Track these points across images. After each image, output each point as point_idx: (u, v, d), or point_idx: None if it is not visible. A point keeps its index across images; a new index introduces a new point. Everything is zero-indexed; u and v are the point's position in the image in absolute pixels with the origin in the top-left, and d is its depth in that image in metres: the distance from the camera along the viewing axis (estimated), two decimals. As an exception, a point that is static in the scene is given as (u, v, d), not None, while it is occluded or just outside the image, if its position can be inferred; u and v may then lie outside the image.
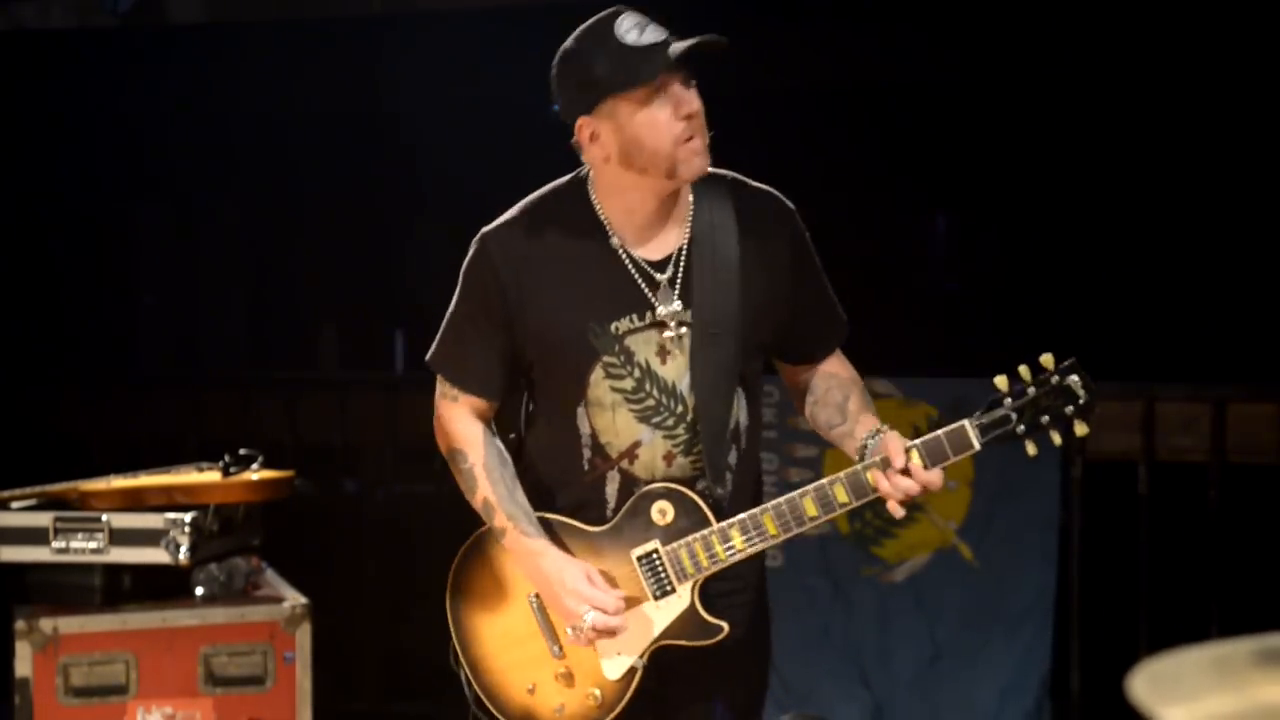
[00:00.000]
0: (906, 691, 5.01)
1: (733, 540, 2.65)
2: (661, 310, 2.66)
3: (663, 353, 2.67)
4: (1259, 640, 1.29)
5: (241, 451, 4.20)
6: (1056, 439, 2.62)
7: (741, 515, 2.66)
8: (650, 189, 2.63)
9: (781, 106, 6.43)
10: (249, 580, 4.16)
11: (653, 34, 2.56)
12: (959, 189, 6.62)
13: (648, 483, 2.68)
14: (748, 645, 2.80)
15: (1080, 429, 2.60)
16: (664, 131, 2.56)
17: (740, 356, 2.70)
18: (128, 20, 6.10)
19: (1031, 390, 2.60)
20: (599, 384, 2.66)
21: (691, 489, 2.68)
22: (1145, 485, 4.98)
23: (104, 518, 3.96)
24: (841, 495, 2.63)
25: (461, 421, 2.76)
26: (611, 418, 2.67)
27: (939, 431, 2.60)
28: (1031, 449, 2.62)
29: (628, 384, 2.66)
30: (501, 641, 2.77)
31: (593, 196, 2.69)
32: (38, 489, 4.11)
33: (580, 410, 2.68)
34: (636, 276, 2.66)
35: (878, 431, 2.66)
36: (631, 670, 2.69)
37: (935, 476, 2.59)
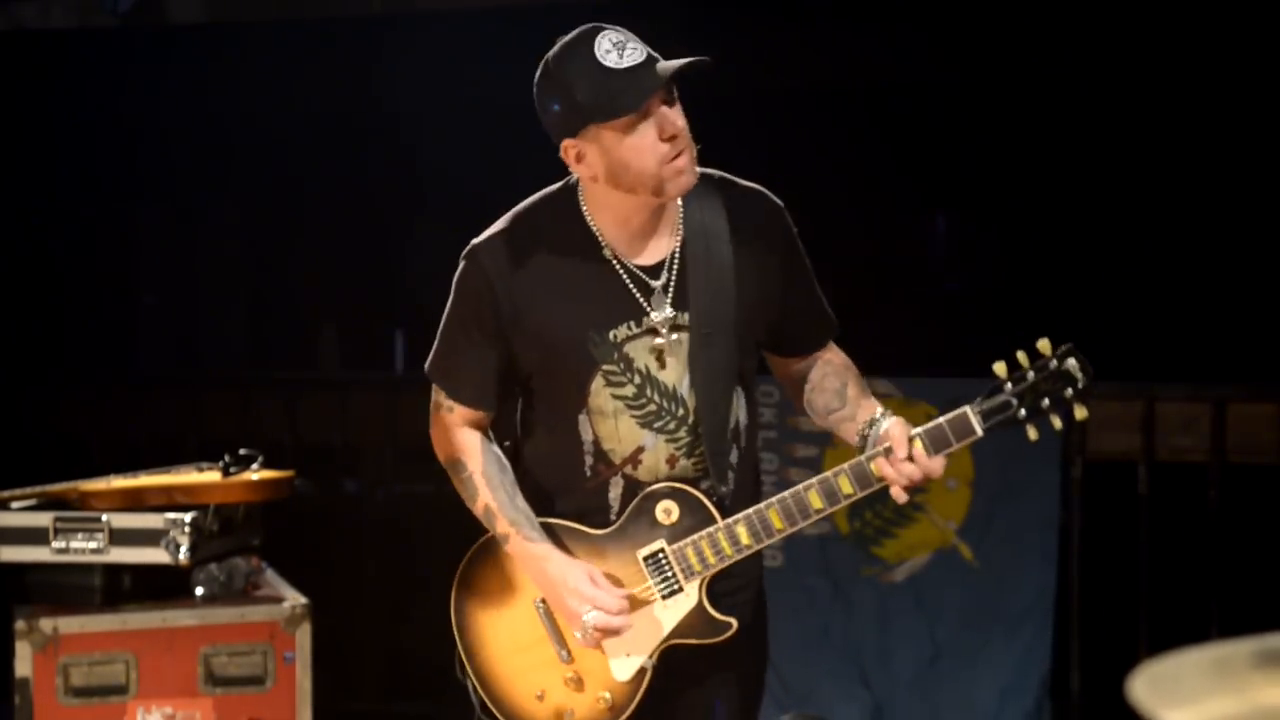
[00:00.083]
0: (906, 691, 5.01)
1: (739, 536, 2.66)
2: (658, 316, 2.67)
3: (661, 357, 2.67)
4: (1259, 641, 1.29)
5: (241, 451, 4.20)
6: (1057, 423, 2.62)
7: (747, 511, 2.66)
8: (639, 204, 2.63)
9: (781, 106, 6.43)
10: (249, 580, 4.15)
11: (632, 55, 2.53)
12: (959, 189, 6.63)
13: (650, 485, 2.68)
14: (748, 644, 2.80)
15: (1080, 412, 2.61)
16: (649, 155, 2.56)
17: (737, 356, 2.71)
18: (128, 20, 6.10)
19: (1031, 375, 2.61)
20: (600, 392, 2.66)
21: (695, 489, 2.68)
22: (1145, 485, 4.98)
23: (104, 518, 3.96)
24: (846, 486, 2.63)
25: (459, 431, 2.76)
26: (614, 425, 2.67)
27: (941, 419, 2.61)
28: (1033, 434, 2.62)
29: (629, 391, 2.67)
30: (508, 648, 2.76)
31: (583, 207, 2.69)
32: (38, 489, 4.11)
33: (581, 418, 2.68)
34: (631, 284, 2.67)
35: (878, 419, 2.65)
36: (641, 671, 2.69)
37: (938, 464, 2.59)
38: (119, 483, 4.08)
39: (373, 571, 5.81)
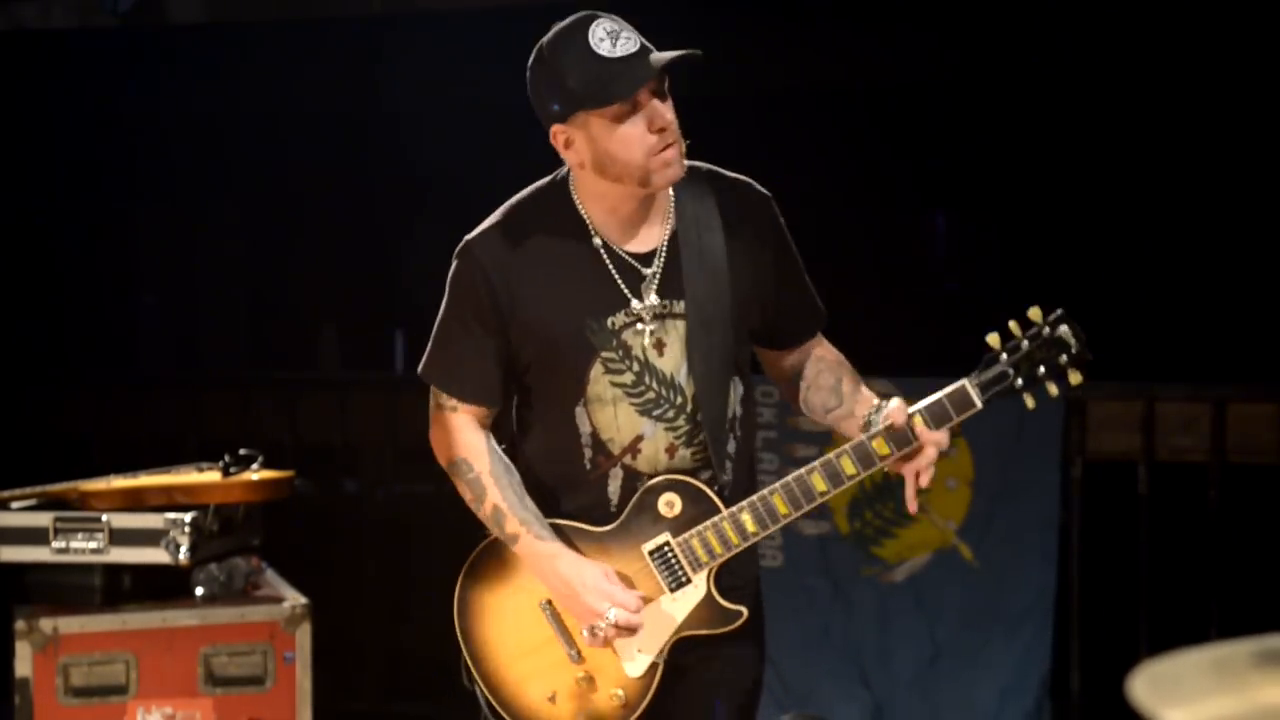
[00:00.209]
0: (906, 691, 5.01)
1: (745, 524, 2.65)
2: (653, 303, 2.67)
3: (659, 345, 2.67)
4: (1259, 641, 1.29)
5: (241, 451, 4.20)
6: (1053, 390, 2.63)
7: (750, 498, 2.65)
8: (627, 193, 2.65)
9: (781, 106, 6.43)
10: (249, 580, 4.15)
11: (625, 45, 2.55)
12: (959, 189, 6.63)
13: (650, 477, 2.68)
14: (747, 644, 2.80)
15: (1075, 377, 2.62)
16: (636, 146, 2.57)
17: (734, 344, 2.72)
18: (128, 20, 6.10)
19: (1025, 344, 2.61)
20: (599, 380, 2.66)
21: (696, 479, 2.68)
22: (1145, 485, 4.98)
23: (104, 518, 3.96)
24: (849, 467, 2.63)
25: (462, 431, 2.74)
26: (613, 413, 2.67)
27: (939, 394, 2.62)
28: (1030, 402, 2.63)
29: (627, 378, 2.67)
30: (516, 654, 2.74)
31: (574, 196, 2.70)
32: (38, 489, 4.11)
33: (579, 409, 2.68)
34: (625, 271, 2.67)
35: (879, 407, 2.65)
36: (653, 666, 2.68)
37: (941, 435, 2.60)
38: (119, 483, 4.08)
39: (373, 571, 5.81)
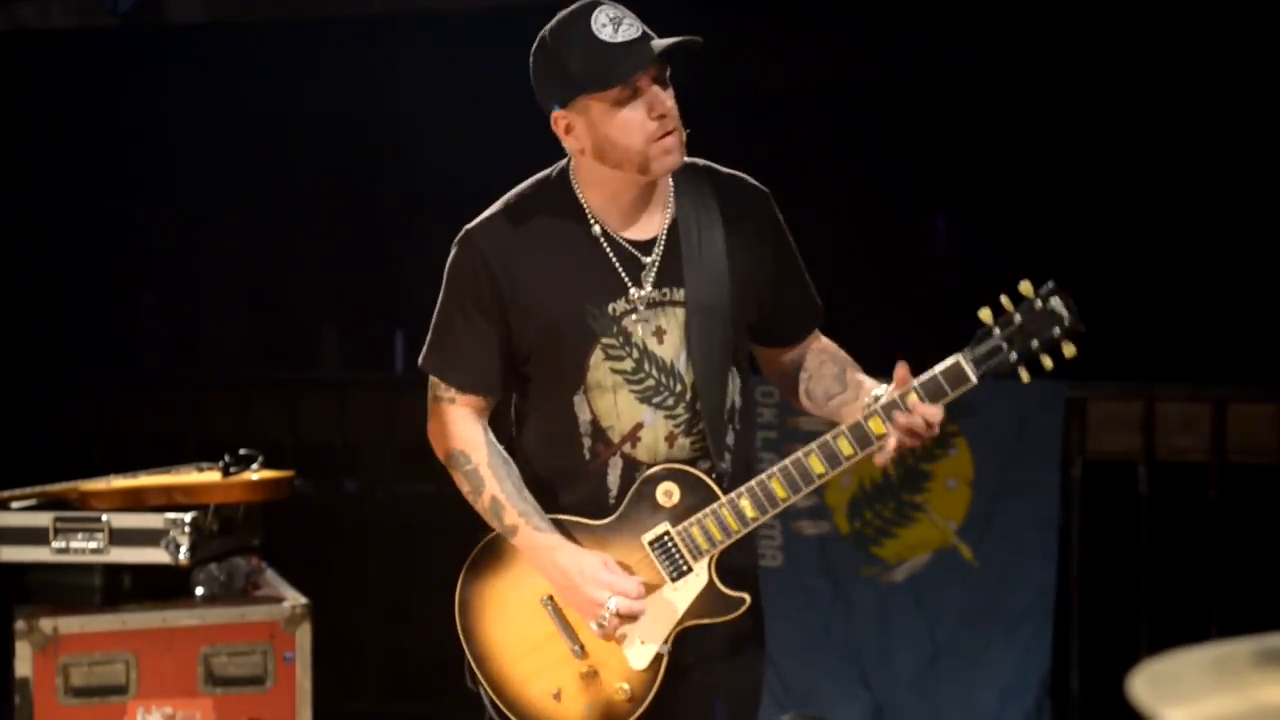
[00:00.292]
0: (906, 691, 5.01)
1: (744, 510, 2.65)
2: (653, 291, 2.67)
3: (659, 333, 2.68)
4: (1259, 640, 1.29)
5: (241, 451, 4.20)
6: (1048, 363, 2.61)
7: (749, 483, 2.65)
8: (627, 180, 2.66)
9: (781, 106, 6.44)
10: (249, 580, 4.15)
11: (627, 31, 2.57)
12: (959, 189, 6.63)
13: (649, 466, 2.67)
14: (747, 644, 2.79)
15: (1068, 350, 2.61)
16: (636, 131, 2.59)
17: (733, 334, 2.72)
18: (128, 20, 6.10)
19: (1018, 317, 2.61)
20: (599, 366, 2.66)
21: (694, 468, 2.68)
22: (1145, 485, 4.98)
23: (104, 518, 3.96)
24: (846, 448, 2.62)
25: (460, 422, 2.74)
26: (613, 400, 2.67)
27: (934, 370, 2.61)
28: (1025, 376, 2.62)
29: (627, 365, 2.67)
30: (519, 651, 2.73)
31: (574, 184, 2.71)
32: (38, 489, 4.11)
33: (578, 397, 2.68)
34: (625, 259, 2.68)
35: (882, 392, 2.64)
36: (658, 657, 2.67)
37: (936, 410, 2.59)
38: (119, 483, 4.08)
39: (373, 571, 5.81)
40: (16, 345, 6.58)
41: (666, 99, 2.60)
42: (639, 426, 2.68)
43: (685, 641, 2.70)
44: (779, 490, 2.64)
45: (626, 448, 2.68)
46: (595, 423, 2.68)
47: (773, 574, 5.01)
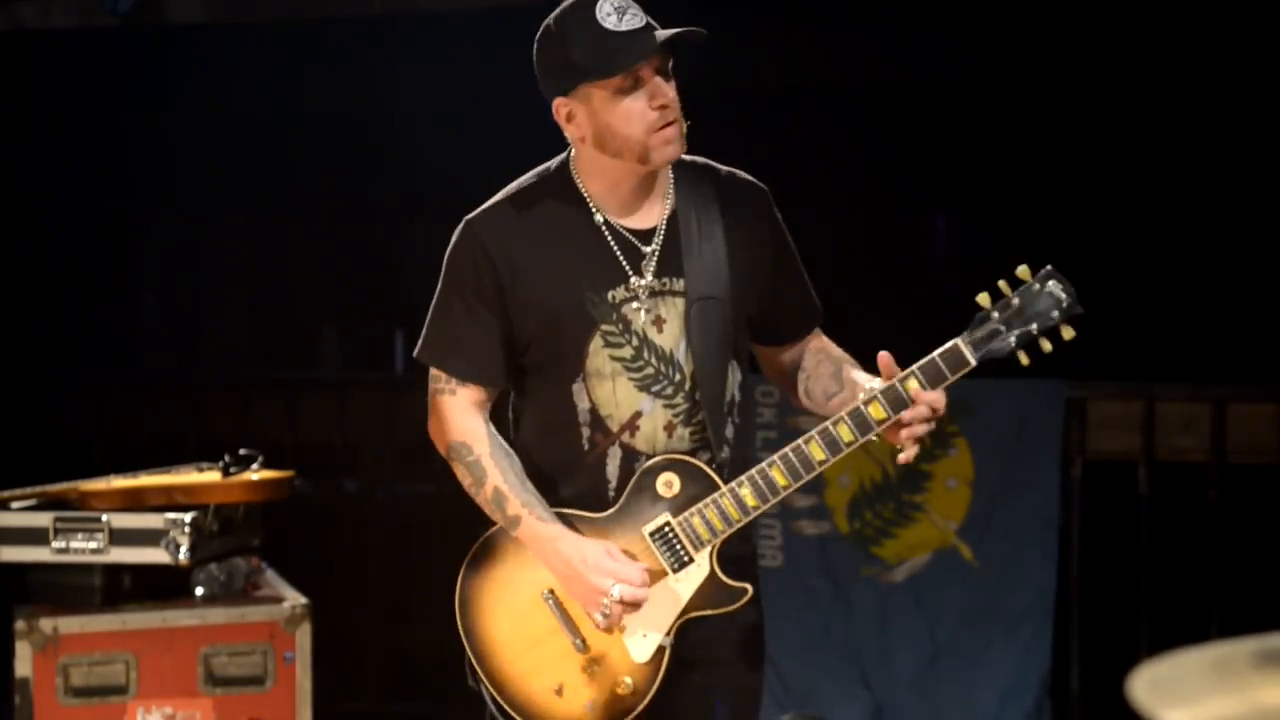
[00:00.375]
0: (906, 691, 5.01)
1: (745, 498, 2.64)
2: (653, 280, 2.68)
3: (658, 321, 2.68)
4: (1259, 641, 1.29)
5: (241, 451, 4.20)
6: (1046, 346, 2.62)
7: (749, 472, 2.65)
8: (627, 169, 2.66)
9: (782, 106, 6.44)
10: (249, 580, 4.16)
11: (631, 20, 2.59)
12: (959, 189, 6.63)
13: (649, 457, 2.67)
14: (747, 644, 2.79)
15: (1067, 333, 2.61)
16: (637, 120, 2.60)
17: (732, 327, 2.72)
18: (128, 20, 6.10)
19: (1015, 300, 2.62)
20: (598, 353, 2.66)
21: (693, 459, 2.68)
22: (1145, 485, 4.98)
23: (104, 518, 3.96)
24: (846, 434, 2.62)
25: (461, 414, 2.72)
26: (611, 388, 2.67)
27: (933, 354, 2.61)
28: (1024, 360, 2.62)
29: (626, 352, 2.67)
30: (520, 647, 2.71)
31: (575, 173, 2.72)
32: (38, 489, 4.11)
33: (577, 386, 2.67)
34: (625, 248, 2.68)
35: (872, 398, 2.64)
36: (660, 650, 2.65)
37: (937, 395, 2.59)
38: (119, 483, 4.08)
39: (373, 571, 5.81)
40: (16, 345, 6.58)
41: (668, 90, 2.61)
42: (638, 415, 2.67)
43: (687, 639, 2.69)
44: (780, 478, 2.64)
45: (625, 437, 2.68)
46: (594, 411, 2.68)
47: (773, 574, 5.01)
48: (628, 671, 2.67)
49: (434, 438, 2.78)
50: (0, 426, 6.10)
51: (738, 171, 2.81)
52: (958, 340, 2.61)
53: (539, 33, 2.66)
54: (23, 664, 3.82)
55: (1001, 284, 2.63)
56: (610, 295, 2.67)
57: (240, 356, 7.54)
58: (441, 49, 6.15)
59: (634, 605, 2.61)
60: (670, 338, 2.68)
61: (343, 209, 7.10)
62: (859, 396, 2.64)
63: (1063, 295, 2.62)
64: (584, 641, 2.68)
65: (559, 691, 2.68)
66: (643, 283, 2.68)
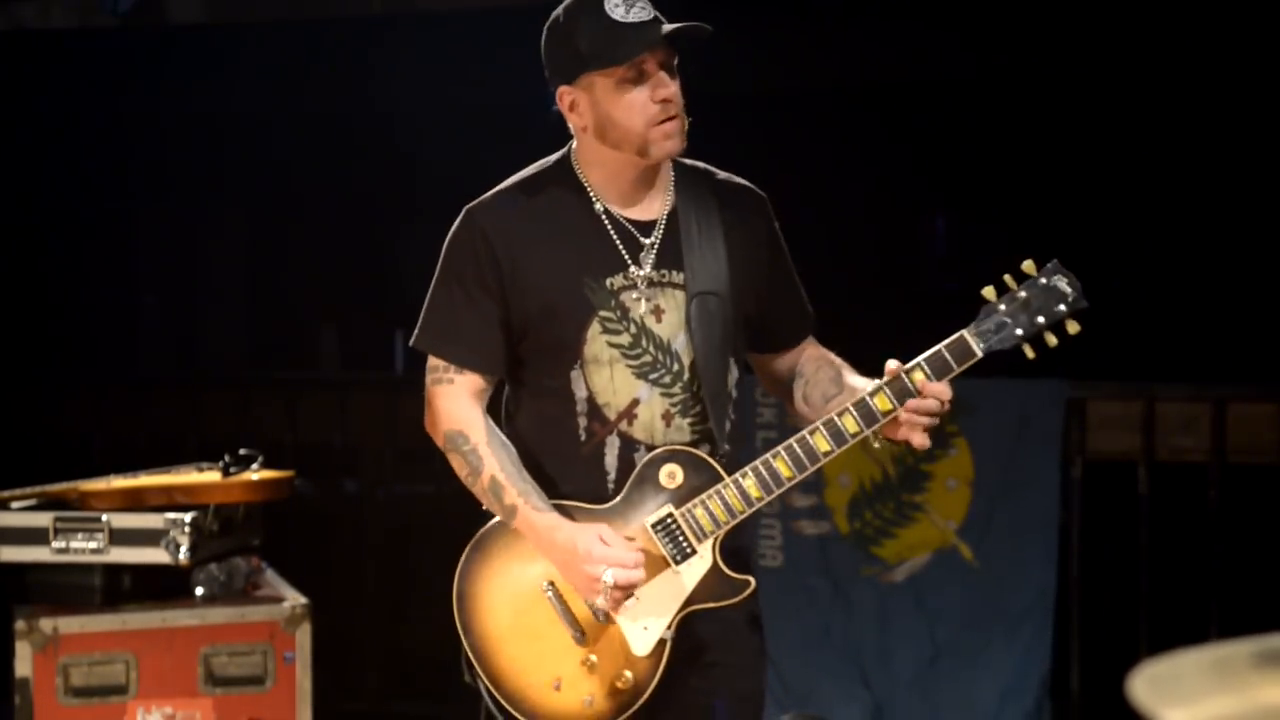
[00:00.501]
0: (906, 691, 5.01)
1: (748, 490, 2.63)
2: (651, 271, 2.68)
3: (657, 311, 2.68)
4: (1259, 641, 1.29)
5: (241, 451, 4.20)
6: (1052, 340, 2.62)
7: (753, 463, 2.64)
8: (627, 161, 2.67)
9: (782, 106, 6.44)
10: (249, 580, 4.15)
11: (639, 13, 2.60)
12: (959, 189, 6.63)
13: (648, 447, 2.66)
14: (747, 643, 2.78)
15: (1072, 327, 2.62)
16: (638, 112, 2.61)
17: (732, 322, 2.72)
18: (128, 20, 6.10)
19: (1022, 293, 2.62)
20: (595, 339, 2.66)
21: (696, 450, 2.67)
22: (1145, 485, 4.98)
23: (104, 518, 3.96)
24: (851, 425, 2.62)
25: (458, 403, 2.71)
26: (609, 375, 2.66)
27: (939, 346, 2.61)
28: (1030, 353, 2.63)
29: (624, 339, 2.67)
30: (519, 642, 2.68)
31: (576, 163, 2.73)
32: (38, 489, 4.11)
33: (575, 373, 2.67)
34: (625, 238, 2.69)
35: (878, 389, 2.64)
36: (661, 644, 2.63)
37: (943, 387, 2.59)
38: (119, 483, 4.08)
39: (373, 571, 5.81)
40: (16, 345, 6.58)
41: (671, 85, 2.62)
42: (635, 403, 2.67)
43: (688, 640, 2.68)
44: (784, 469, 2.63)
45: (623, 425, 2.67)
46: (591, 400, 2.67)
47: (773, 574, 5.01)
48: (627, 665, 2.64)
49: (429, 429, 2.76)
50: (0, 426, 6.10)
51: (736, 178, 2.82)
52: (964, 332, 2.62)
53: (548, 22, 2.68)
54: (23, 664, 3.82)
55: (1007, 278, 2.63)
56: (609, 282, 2.67)
57: (240, 356, 7.55)
58: (441, 49, 6.15)
59: (629, 589, 2.59)
60: (668, 328, 2.68)
61: (343, 209, 7.11)
62: (866, 388, 2.64)
63: (1069, 289, 2.63)
64: (583, 634, 2.65)
65: (557, 686, 2.66)
66: (641, 273, 2.68)
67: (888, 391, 2.60)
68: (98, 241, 7.20)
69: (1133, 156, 6.12)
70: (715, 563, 2.65)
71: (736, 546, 2.73)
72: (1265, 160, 5.74)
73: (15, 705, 3.82)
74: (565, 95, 2.67)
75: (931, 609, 5.02)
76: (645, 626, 2.64)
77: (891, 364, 2.62)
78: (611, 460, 2.68)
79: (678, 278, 2.69)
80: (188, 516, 3.94)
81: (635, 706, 2.65)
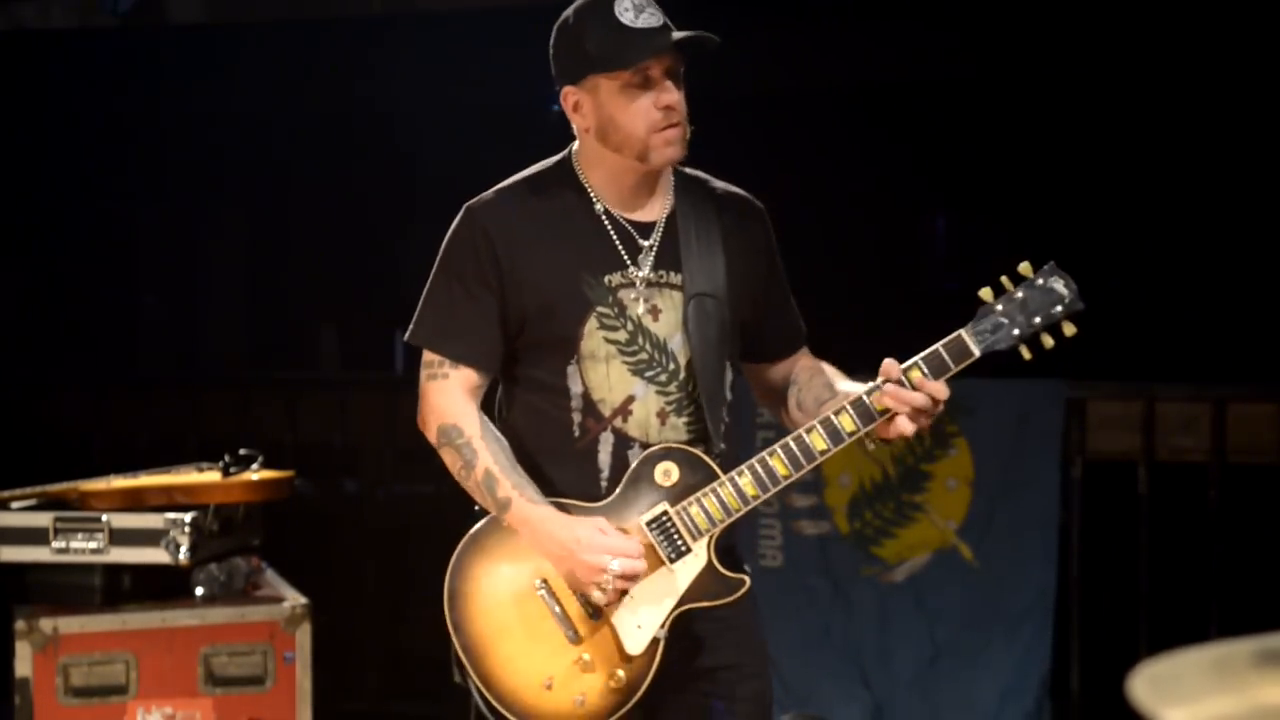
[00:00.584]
0: (906, 691, 5.01)
1: (744, 488, 2.63)
2: (650, 272, 2.69)
3: (654, 311, 2.69)
4: (1259, 640, 1.29)
5: (241, 451, 4.20)
6: (1049, 341, 2.63)
7: (750, 461, 2.63)
8: (626, 165, 2.68)
9: (782, 106, 6.44)
10: (249, 580, 4.16)
11: (648, 19, 2.62)
12: (959, 189, 6.63)
13: (642, 444, 2.66)
14: (749, 643, 2.78)
15: (1069, 329, 2.62)
16: (640, 118, 2.62)
17: (730, 327, 2.73)
18: (128, 20, 6.11)
19: (1019, 294, 2.63)
20: (593, 335, 2.66)
21: (693, 448, 2.67)
22: (1145, 485, 4.98)
23: (104, 518, 3.96)
24: (848, 424, 2.62)
25: (453, 398, 2.70)
26: (605, 371, 2.66)
27: (936, 345, 2.62)
28: (1026, 354, 2.63)
29: (621, 335, 2.67)
30: (511, 641, 2.66)
31: (577, 164, 2.74)
32: (38, 489, 4.11)
33: (571, 368, 2.67)
34: (625, 238, 2.70)
35: (875, 387, 2.64)
36: (654, 642, 2.62)
37: (939, 385, 2.59)
38: (119, 483, 4.08)
39: (373, 571, 5.81)
40: (16, 345, 6.58)
41: (675, 93, 2.64)
42: (630, 399, 2.67)
43: (689, 643, 2.67)
44: (780, 467, 2.63)
45: (618, 422, 2.67)
46: (586, 395, 2.67)
47: (773, 574, 5.01)
48: (621, 664, 2.63)
49: (422, 425, 2.75)
50: (0, 426, 6.10)
51: (735, 188, 2.84)
52: (962, 331, 2.63)
53: (558, 21, 2.69)
54: (23, 664, 3.82)
55: (1004, 279, 2.64)
56: (607, 279, 2.67)
57: (240, 356, 7.55)
58: (441, 49, 6.15)
59: (632, 579, 2.58)
60: (665, 328, 2.69)
61: (342, 209, 7.11)
62: (864, 386, 2.65)
63: (1065, 291, 2.63)
64: (576, 633, 2.64)
65: (549, 685, 2.64)
66: (640, 274, 2.69)
67: (885, 390, 2.60)
68: (98, 241, 7.20)
69: (1133, 156, 6.12)
70: (710, 561, 2.64)
71: (729, 545, 2.73)
72: (1265, 160, 5.74)
73: (15, 705, 3.82)
74: (570, 95, 2.68)
75: (931, 609, 5.02)
76: (639, 625, 2.63)
77: (888, 362, 2.62)
78: (605, 457, 2.68)
79: (675, 279, 2.70)
80: (188, 516, 3.94)
81: (628, 706, 2.64)
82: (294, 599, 4.03)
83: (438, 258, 2.75)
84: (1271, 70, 5.61)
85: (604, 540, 2.58)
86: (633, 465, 2.66)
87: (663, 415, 2.68)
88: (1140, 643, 4.89)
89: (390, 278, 6.91)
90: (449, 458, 2.71)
